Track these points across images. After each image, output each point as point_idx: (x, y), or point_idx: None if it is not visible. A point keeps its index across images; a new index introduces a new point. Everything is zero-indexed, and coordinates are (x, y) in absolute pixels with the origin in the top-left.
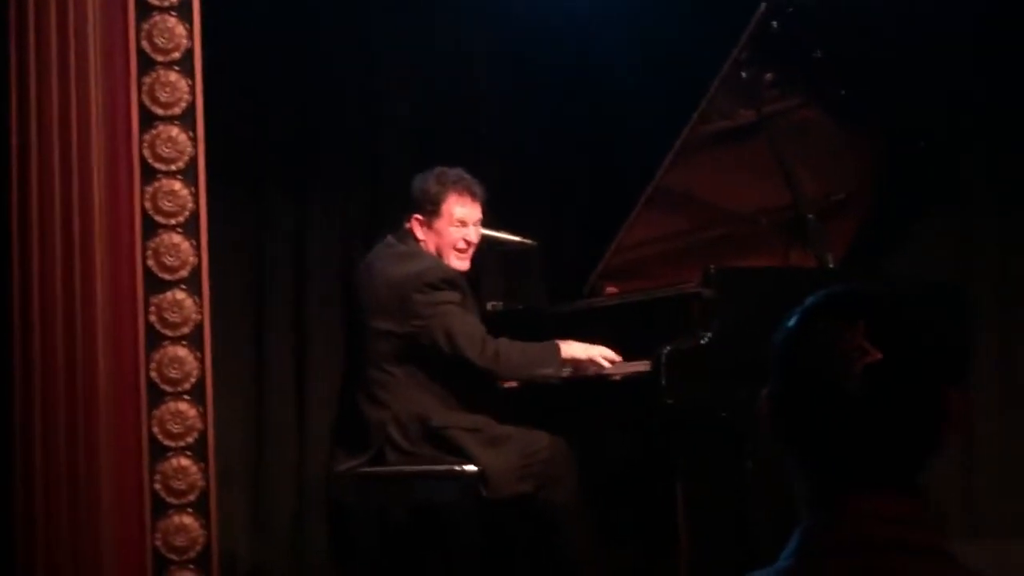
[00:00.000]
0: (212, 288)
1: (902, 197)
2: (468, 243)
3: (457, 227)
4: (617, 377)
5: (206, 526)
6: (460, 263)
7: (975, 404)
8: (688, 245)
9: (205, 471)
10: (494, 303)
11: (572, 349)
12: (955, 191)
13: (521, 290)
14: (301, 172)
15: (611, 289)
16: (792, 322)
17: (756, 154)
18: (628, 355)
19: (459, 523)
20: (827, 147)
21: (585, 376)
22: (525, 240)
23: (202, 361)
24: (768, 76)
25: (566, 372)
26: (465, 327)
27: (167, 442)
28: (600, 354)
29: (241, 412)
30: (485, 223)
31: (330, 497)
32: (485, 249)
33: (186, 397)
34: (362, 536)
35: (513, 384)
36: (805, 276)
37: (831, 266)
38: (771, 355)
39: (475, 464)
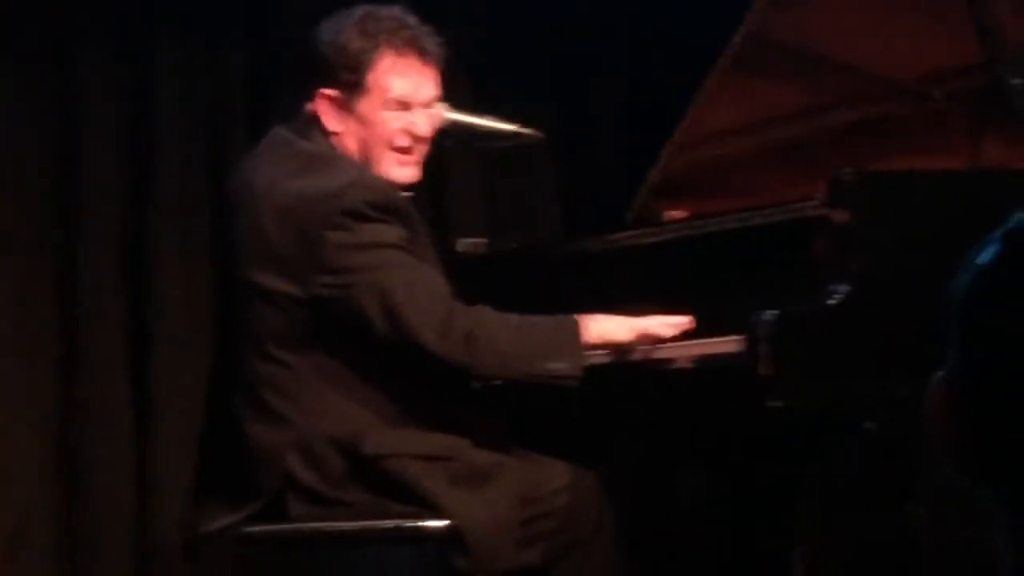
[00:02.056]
0: None
1: None
2: (416, 138)
3: (396, 111)
4: (686, 363)
5: None
6: (403, 172)
7: None
8: (803, 138)
9: None
10: (472, 240)
11: (604, 327)
12: None
13: (520, 217)
14: (122, 11)
15: (674, 214)
16: (986, 257)
17: None
18: (704, 327)
19: None
20: None
21: (630, 364)
22: (525, 131)
23: None
24: None
25: (595, 361)
26: (415, 289)
27: None
28: (657, 324)
29: (38, 437)
30: (457, 104)
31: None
32: (458, 148)
33: None
34: None
35: (497, 382)
36: (1012, 182)
37: None
38: (950, 315)
39: (442, 517)
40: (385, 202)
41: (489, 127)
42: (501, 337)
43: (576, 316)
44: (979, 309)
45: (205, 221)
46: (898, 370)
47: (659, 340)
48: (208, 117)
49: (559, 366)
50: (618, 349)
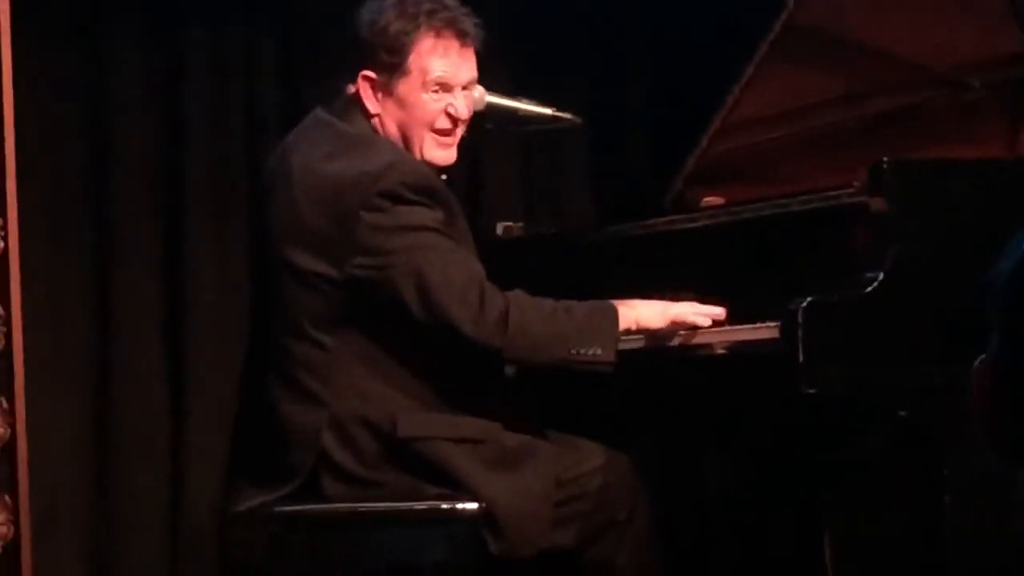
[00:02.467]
0: (23, 213)
1: None
2: (455, 120)
3: (435, 93)
4: (721, 350)
5: None
6: (442, 154)
7: None
8: (841, 126)
9: (15, 511)
10: (508, 224)
11: (640, 313)
12: None
13: (556, 202)
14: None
15: (711, 199)
16: None
17: None
18: (740, 313)
19: None
20: None
21: (665, 349)
22: (562, 115)
23: (7, 334)
24: None
25: (631, 346)
26: (451, 271)
27: None
28: (692, 313)
29: (76, 418)
30: (493, 87)
31: (227, 555)
32: (495, 131)
33: None
34: None
35: (531, 366)
36: None
37: None
38: (991, 298)
39: (476, 499)
40: (423, 184)
41: (527, 111)
42: (535, 321)
43: (612, 302)
44: (1021, 294)
45: (240, 202)
46: (932, 358)
47: (693, 327)
48: (241, 95)
49: (594, 351)
50: (654, 335)
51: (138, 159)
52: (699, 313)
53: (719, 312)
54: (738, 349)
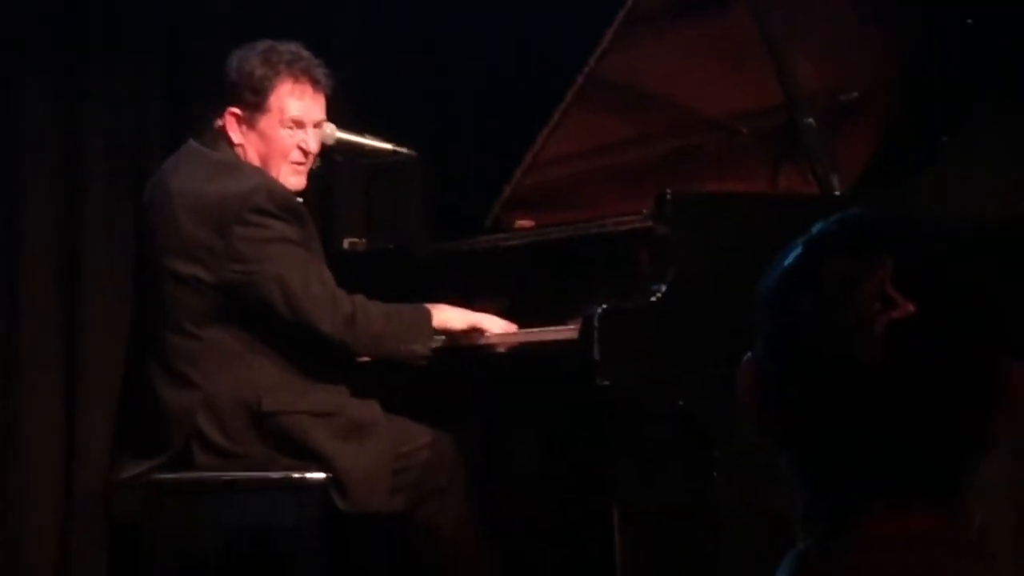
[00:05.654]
0: None
1: (939, 98)
2: (305, 152)
3: (290, 129)
4: (501, 349)
5: None
6: (294, 180)
7: None
8: (634, 162)
9: None
10: (353, 239)
11: (447, 316)
12: (1018, 90)
13: (393, 222)
14: (63, 46)
15: (523, 223)
16: (788, 260)
17: (733, 32)
18: (545, 318)
19: (302, 551)
20: (836, 23)
21: (463, 347)
22: (400, 149)
23: None
24: None
25: (436, 344)
26: (309, 278)
27: None
28: (486, 320)
29: None
30: (342, 125)
31: (110, 517)
32: (344, 162)
33: None
34: (159, 573)
35: (365, 359)
36: (802, 205)
37: (838, 192)
38: (757, 307)
39: (327, 467)
40: (285, 203)
41: (370, 146)
42: (375, 322)
43: (427, 305)
44: (782, 301)
45: (130, 225)
46: (707, 358)
47: (486, 332)
48: (133, 135)
49: (415, 347)
50: (454, 336)
51: (39, 180)
52: (494, 321)
53: (511, 328)
54: (536, 349)
